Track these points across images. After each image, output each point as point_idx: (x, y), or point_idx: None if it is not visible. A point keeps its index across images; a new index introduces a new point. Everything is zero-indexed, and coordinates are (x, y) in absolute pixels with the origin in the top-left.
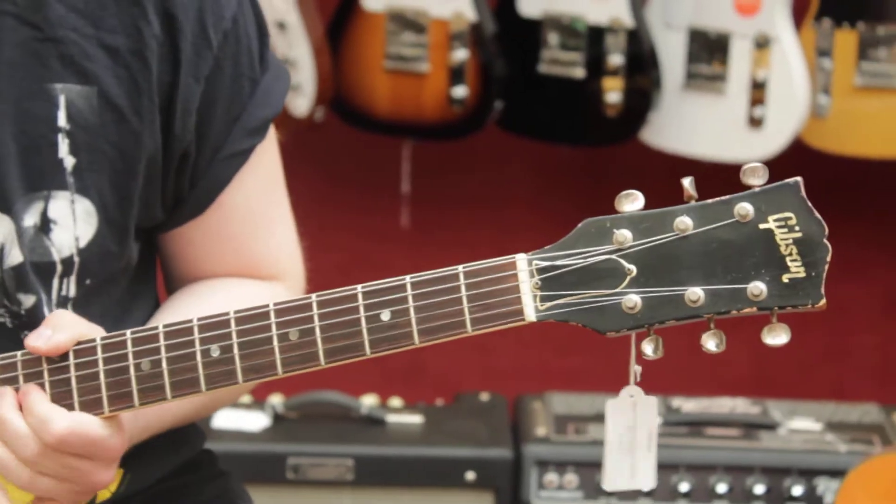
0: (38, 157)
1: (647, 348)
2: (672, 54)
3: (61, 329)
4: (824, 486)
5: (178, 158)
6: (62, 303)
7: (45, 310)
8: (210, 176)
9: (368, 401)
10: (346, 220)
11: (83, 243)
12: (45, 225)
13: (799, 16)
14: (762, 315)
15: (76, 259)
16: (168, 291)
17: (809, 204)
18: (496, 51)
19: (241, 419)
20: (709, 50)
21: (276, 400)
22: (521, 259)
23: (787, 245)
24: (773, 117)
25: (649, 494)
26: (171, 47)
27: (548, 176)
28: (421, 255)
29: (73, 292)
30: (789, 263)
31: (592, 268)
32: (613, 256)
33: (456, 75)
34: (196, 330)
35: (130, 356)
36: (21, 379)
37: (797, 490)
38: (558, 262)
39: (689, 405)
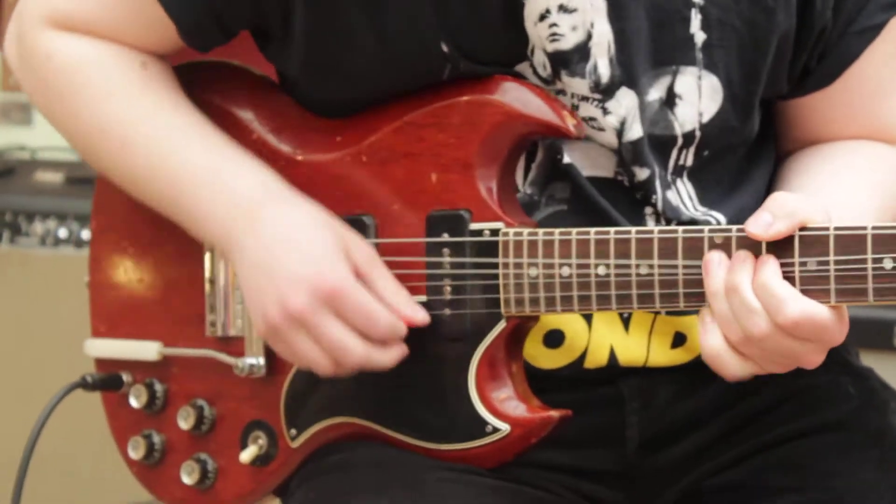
0: (669, 33)
1: None
2: None
3: (782, 217)
4: None
5: (816, 35)
6: (677, 171)
7: (657, 183)
8: (840, 49)
9: None
10: None
11: (706, 118)
12: (670, 100)
13: None
14: None
15: (697, 133)
16: (778, 149)
17: None
18: None
19: None
20: None
21: None
22: None
23: None
24: None
25: None
26: None
27: None
28: None
29: (689, 162)
30: None
31: None
32: None
33: None
34: None
35: (869, 251)
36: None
37: None
38: None
39: None
